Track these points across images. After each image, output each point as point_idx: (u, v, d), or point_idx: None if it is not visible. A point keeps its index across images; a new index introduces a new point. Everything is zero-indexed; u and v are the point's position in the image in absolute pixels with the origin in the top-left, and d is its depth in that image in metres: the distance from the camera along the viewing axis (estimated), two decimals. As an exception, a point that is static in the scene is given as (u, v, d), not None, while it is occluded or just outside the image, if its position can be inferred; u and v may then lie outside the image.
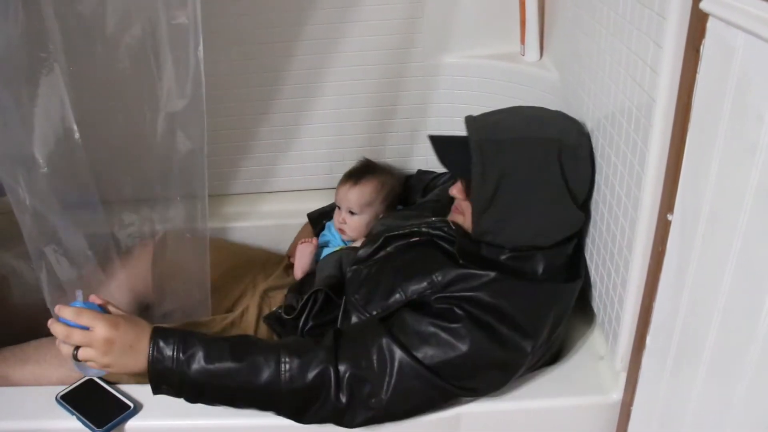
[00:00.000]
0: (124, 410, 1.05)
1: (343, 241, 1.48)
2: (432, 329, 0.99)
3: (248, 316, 1.33)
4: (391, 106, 1.63)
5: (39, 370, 1.16)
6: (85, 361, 0.95)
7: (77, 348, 0.95)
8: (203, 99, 1.12)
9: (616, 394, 1.04)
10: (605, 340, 1.11)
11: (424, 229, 1.16)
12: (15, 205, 1.11)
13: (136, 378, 1.07)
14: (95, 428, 1.01)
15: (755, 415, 0.66)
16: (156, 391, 0.97)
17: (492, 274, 1.02)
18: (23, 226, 1.13)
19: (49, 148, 1.12)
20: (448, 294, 1.03)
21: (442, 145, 1.10)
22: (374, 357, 0.98)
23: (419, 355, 0.98)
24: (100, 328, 0.94)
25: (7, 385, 1.16)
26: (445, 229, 1.14)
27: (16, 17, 1.02)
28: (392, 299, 1.08)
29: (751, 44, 0.61)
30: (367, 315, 1.09)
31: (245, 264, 1.51)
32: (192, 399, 0.99)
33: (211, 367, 0.96)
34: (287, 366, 0.97)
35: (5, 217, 1.19)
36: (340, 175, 1.53)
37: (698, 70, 0.72)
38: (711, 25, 0.69)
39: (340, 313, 1.16)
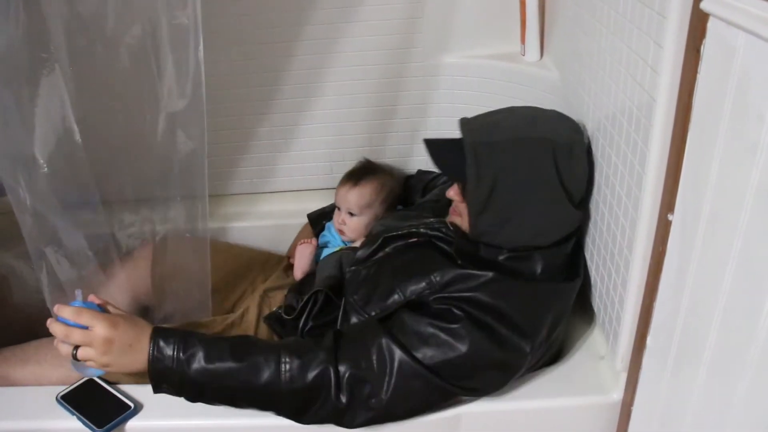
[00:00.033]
0: (125, 410, 1.05)
1: (343, 241, 1.48)
2: (431, 330, 0.99)
3: (248, 316, 1.33)
4: (391, 106, 1.63)
5: (39, 370, 1.17)
6: (85, 360, 0.95)
7: (76, 347, 0.95)
8: (203, 99, 1.12)
9: (617, 394, 1.04)
10: (606, 340, 1.11)
11: (422, 230, 1.16)
12: (15, 205, 1.11)
13: (136, 378, 1.08)
14: (95, 428, 1.01)
15: (756, 415, 0.66)
16: (156, 390, 0.98)
17: (490, 274, 1.02)
18: (23, 226, 1.13)
19: (50, 148, 1.12)
20: (446, 294, 1.03)
21: (436, 148, 1.10)
22: (374, 357, 0.98)
23: (419, 355, 0.98)
24: (100, 328, 0.94)
25: (7, 385, 1.16)
26: (443, 229, 1.14)
27: (17, 17, 1.02)
28: (391, 300, 1.08)
29: (752, 44, 0.61)
30: (366, 316, 1.09)
31: (245, 265, 1.51)
32: (192, 399, 0.99)
33: (211, 366, 0.96)
34: (287, 366, 0.97)
35: (5, 217, 1.19)
36: (340, 175, 1.53)
37: (699, 69, 0.72)
38: (711, 24, 0.69)
39: (340, 314, 1.16)
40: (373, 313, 1.08)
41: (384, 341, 0.99)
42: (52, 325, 0.95)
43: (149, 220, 1.40)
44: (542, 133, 1.05)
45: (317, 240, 1.49)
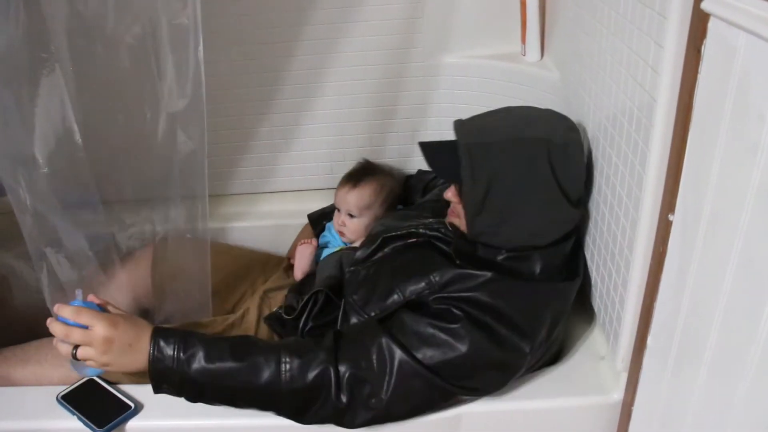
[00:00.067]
0: (125, 410, 1.05)
1: (344, 241, 1.48)
2: (431, 330, 0.99)
3: (249, 317, 1.33)
4: (392, 106, 1.63)
5: (40, 370, 1.17)
6: (84, 359, 0.95)
7: (76, 347, 0.95)
8: (203, 99, 1.12)
9: (617, 395, 1.04)
10: (606, 340, 1.11)
11: (421, 230, 1.17)
12: (15, 205, 1.11)
13: (135, 378, 1.08)
14: (96, 428, 1.01)
15: (756, 415, 0.66)
16: (157, 390, 0.98)
17: (489, 274, 1.02)
18: (24, 226, 1.13)
19: (50, 148, 1.12)
20: (446, 294, 1.03)
21: (432, 150, 1.10)
22: (374, 357, 0.98)
23: (419, 355, 0.98)
24: (100, 327, 0.94)
25: (8, 385, 1.16)
26: (442, 230, 1.14)
27: (17, 17, 1.02)
28: (390, 300, 1.08)
29: (753, 44, 0.61)
30: (366, 316, 1.09)
31: (245, 266, 1.51)
32: (192, 399, 0.99)
33: (211, 366, 0.96)
34: (287, 366, 0.97)
35: (6, 217, 1.19)
36: (340, 175, 1.53)
37: (699, 70, 0.72)
38: (712, 25, 0.69)
39: (340, 314, 1.16)
40: (372, 314, 1.09)
41: (384, 341, 0.99)
42: (52, 325, 0.95)
43: (149, 220, 1.40)
44: (537, 133, 1.04)
45: (317, 240, 1.49)
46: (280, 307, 1.31)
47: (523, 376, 1.07)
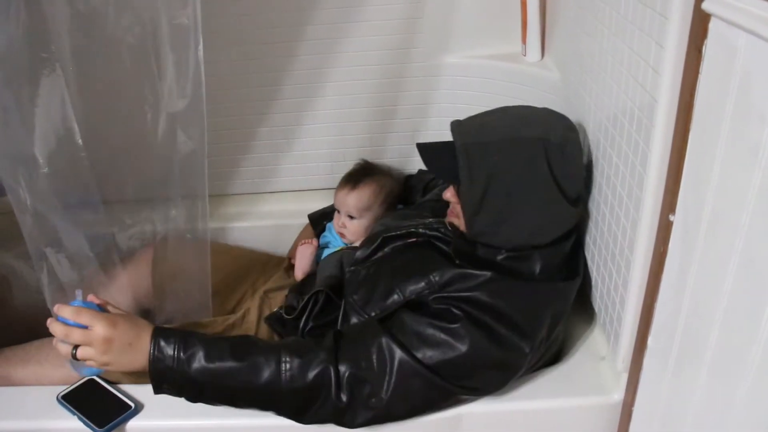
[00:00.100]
0: (125, 410, 1.05)
1: (344, 242, 1.48)
2: (431, 330, 0.99)
3: (249, 317, 1.33)
4: (392, 107, 1.63)
5: (41, 370, 1.17)
6: (84, 359, 0.96)
7: (76, 347, 0.95)
8: (203, 99, 1.12)
9: (618, 395, 1.04)
10: (606, 341, 1.11)
11: (421, 230, 1.17)
12: (16, 205, 1.11)
13: (135, 378, 1.08)
14: (96, 428, 1.01)
15: (757, 415, 0.66)
16: (157, 390, 0.98)
17: (488, 274, 1.02)
18: (24, 226, 1.13)
19: (50, 148, 1.12)
20: (445, 294, 1.03)
21: (430, 152, 1.10)
22: (374, 357, 0.98)
23: (419, 355, 0.98)
24: (99, 327, 0.94)
25: (8, 385, 1.16)
26: (442, 230, 1.14)
27: (18, 17, 1.02)
28: (390, 300, 1.08)
29: (753, 44, 0.61)
30: (366, 316, 1.09)
31: (246, 266, 1.51)
32: (192, 398, 0.99)
33: (211, 366, 0.96)
34: (288, 366, 0.97)
35: (6, 217, 1.19)
36: (341, 175, 1.53)
37: (700, 70, 0.72)
38: (713, 25, 0.69)
39: (340, 314, 1.16)
40: (372, 314, 1.08)
41: (384, 341, 0.99)
42: (52, 325, 0.95)
43: (150, 220, 1.40)
44: (534, 132, 1.04)
45: (318, 240, 1.49)
46: (281, 307, 1.31)
47: (524, 376, 1.06)
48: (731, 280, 0.68)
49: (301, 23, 1.52)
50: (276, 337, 1.28)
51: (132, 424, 1.05)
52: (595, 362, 1.11)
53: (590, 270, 1.16)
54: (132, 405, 1.05)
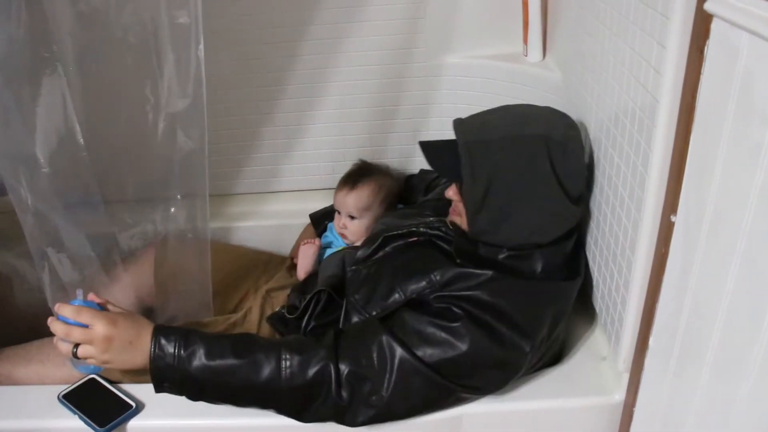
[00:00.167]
0: (126, 409, 1.05)
1: (345, 242, 1.48)
2: (431, 328, 0.99)
3: (251, 317, 1.33)
4: (394, 107, 1.63)
5: (42, 370, 1.17)
6: (85, 358, 0.96)
7: (77, 346, 0.95)
8: (204, 99, 1.12)
9: (619, 395, 1.04)
10: (608, 341, 1.11)
11: (422, 229, 1.17)
12: (17, 204, 1.11)
13: (135, 376, 1.08)
14: (97, 427, 1.01)
15: (758, 416, 0.66)
16: (158, 388, 0.98)
17: (489, 273, 1.02)
18: (25, 226, 1.13)
19: (51, 147, 1.12)
20: (446, 293, 1.03)
21: (432, 150, 1.10)
22: (374, 355, 0.98)
23: (419, 353, 0.98)
24: (100, 326, 0.95)
25: (10, 384, 1.16)
26: (443, 229, 1.14)
27: (19, 17, 1.02)
28: (391, 299, 1.08)
29: (755, 45, 0.61)
30: (368, 315, 1.09)
31: (247, 266, 1.51)
32: (193, 397, 0.99)
33: (212, 363, 0.96)
34: (288, 363, 0.97)
35: (7, 216, 1.19)
36: (342, 175, 1.53)
37: (702, 70, 0.72)
38: (715, 25, 0.69)
39: (342, 314, 1.16)
40: (374, 313, 1.09)
41: (384, 339, 0.99)
42: (53, 324, 0.96)
43: (150, 220, 1.40)
44: (536, 130, 1.04)
45: (320, 240, 1.49)
46: (283, 307, 1.31)
47: (524, 376, 1.06)
48: (733, 280, 0.67)
49: (302, 23, 1.52)
50: (278, 337, 1.28)
51: (133, 423, 1.05)
52: (596, 362, 1.11)
53: (591, 270, 1.16)
54: (133, 404, 1.06)
